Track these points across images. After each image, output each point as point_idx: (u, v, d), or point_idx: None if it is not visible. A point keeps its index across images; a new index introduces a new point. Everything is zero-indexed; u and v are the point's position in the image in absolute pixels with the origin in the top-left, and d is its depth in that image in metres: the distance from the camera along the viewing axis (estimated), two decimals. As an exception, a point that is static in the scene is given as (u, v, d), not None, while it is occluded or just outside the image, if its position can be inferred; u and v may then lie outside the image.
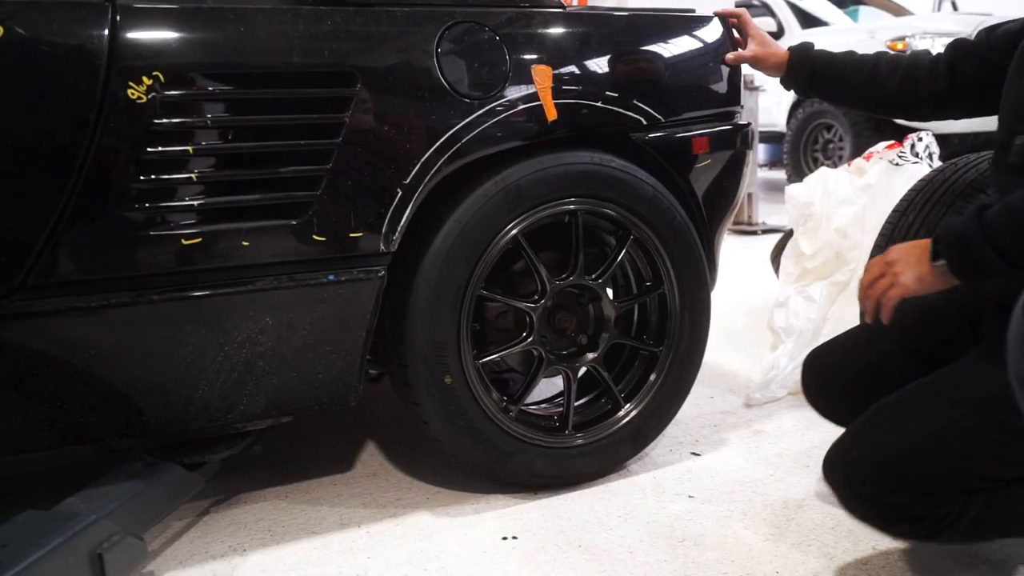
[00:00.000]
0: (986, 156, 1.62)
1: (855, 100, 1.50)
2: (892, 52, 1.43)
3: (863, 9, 7.37)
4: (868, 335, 1.32)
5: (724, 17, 1.62)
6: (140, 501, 1.20)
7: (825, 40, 5.93)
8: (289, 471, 1.64)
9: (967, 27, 4.90)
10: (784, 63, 1.51)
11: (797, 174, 5.67)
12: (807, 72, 1.48)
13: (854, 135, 5.40)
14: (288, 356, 1.28)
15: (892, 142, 2.53)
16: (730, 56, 1.58)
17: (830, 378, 1.34)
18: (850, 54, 1.47)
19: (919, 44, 5.15)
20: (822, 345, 1.41)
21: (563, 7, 1.46)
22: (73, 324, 1.14)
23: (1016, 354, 0.70)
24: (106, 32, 1.09)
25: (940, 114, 1.42)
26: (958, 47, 1.35)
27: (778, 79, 1.54)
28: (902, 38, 5.25)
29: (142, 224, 1.15)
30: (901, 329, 1.25)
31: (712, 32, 1.61)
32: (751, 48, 1.57)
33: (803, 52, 1.50)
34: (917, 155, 2.36)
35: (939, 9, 7.32)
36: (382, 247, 1.29)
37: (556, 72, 1.39)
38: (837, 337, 1.40)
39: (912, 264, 1.13)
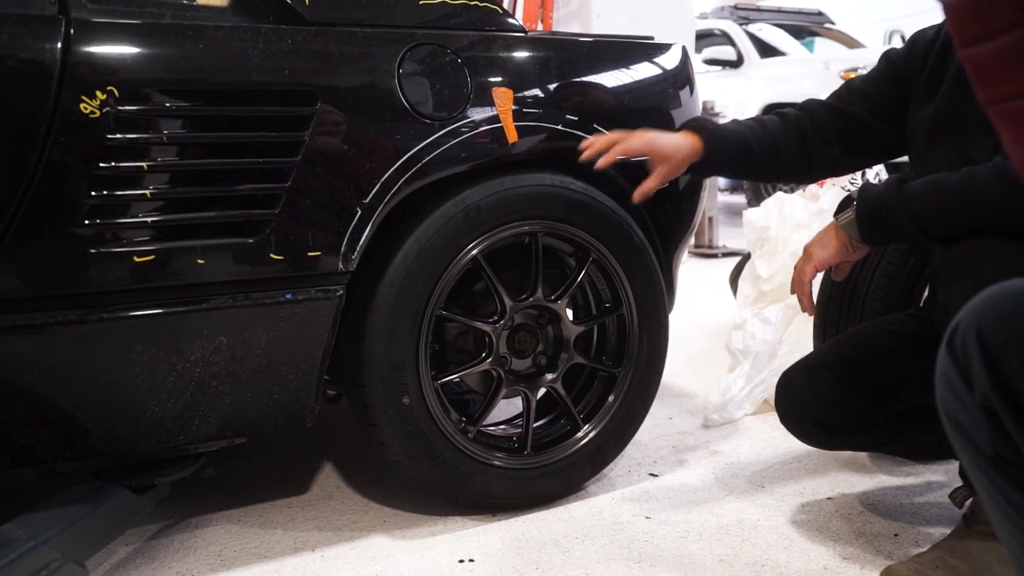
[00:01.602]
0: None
1: (758, 176, 1.51)
2: (781, 118, 1.41)
3: (818, 40, 7.62)
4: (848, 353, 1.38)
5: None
6: (83, 526, 1.16)
7: (783, 70, 6.13)
8: (242, 494, 1.60)
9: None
10: (685, 145, 1.35)
11: (756, 199, 5.78)
12: (727, 154, 1.38)
13: (810, 162, 5.54)
14: (243, 376, 1.25)
15: (845, 169, 2.60)
16: (617, 149, 1.33)
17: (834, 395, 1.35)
18: (745, 128, 1.40)
19: (872, 75, 5.32)
20: (795, 367, 1.44)
21: (525, 32, 1.48)
22: (17, 342, 1.11)
23: (940, 389, 0.72)
24: (59, 45, 1.07)
25: (849, 171, 1.49)
26: (834, 113, 1.38)
27: (682, 153, 1.35)
28: (855, 69, 5.43)
29: (93, 240, 1.12)
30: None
31: (671, 59, 1.65)
32: (642, 137, 1.35)
33: (715, 132, 1.38)
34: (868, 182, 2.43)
35: (889, 42, 7.58)
36: (341, 266, 1.28)
37: (517, 95, 1.41)
38: (810, 359, 1.44)
39: (820, 238, 1.26)
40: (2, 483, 1.38)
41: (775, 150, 1.38)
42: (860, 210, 1.18)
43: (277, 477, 1.69)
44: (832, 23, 7.47)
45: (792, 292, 1.32)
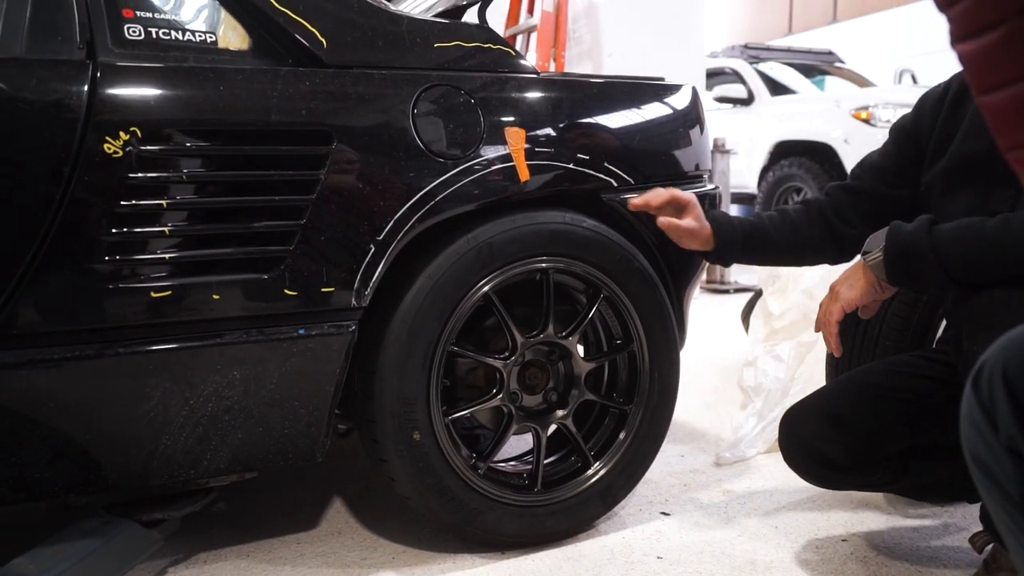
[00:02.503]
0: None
1: (782, 259, 1.51)
2: (803, 204, 1.45)
3: (829, 79, 7.67)
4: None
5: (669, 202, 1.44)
6: (93, 561, 1.17)
7: (793, 107, 6.17)
8: (251, 529, 1.59)
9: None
10: (706, 236, 1.41)
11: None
12: (741, 246, 1.42)
13: (822, 198, 5.54)
14: (255, 410, 1.26)
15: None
16: (663, 220, 1.41)
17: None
18: (761, 217, 1.45)
19: (882, 113, 5.36)
20: (799, 405, 1.43)
21: (537, 73, 1.51)
22: (34, 376, 1.12)
23: (965, 429, 0.72)
24: (85, 88, 1.10)
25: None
26: (851, 192, 1.41)
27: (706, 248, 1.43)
28: (865, 107, 5.46)
29: (112, 276, 1.14)
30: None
31: (681, 99, 1.67)
32: (687, 220, 1.41)
33: (727, 224, 1.43)
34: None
35: (900, 81, 7.62)
36: (354, 302, 1.29)
37: (529, 134, 1.43)
38: (816, 397, 1.42)
39: (846, 278, 1.24)
40: (15, 516, 1.39)
41: (795, 236, 1.40)
42: (888, 250, 1.17)
43: (287, 512, 1.68)
44: (842, 62, 7.53)
45: (817, 331, 1.32)
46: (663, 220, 1.41)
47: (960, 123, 1.27)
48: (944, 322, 1.59)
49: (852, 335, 1.69)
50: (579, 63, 3.94)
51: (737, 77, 6.55)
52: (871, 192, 1.39)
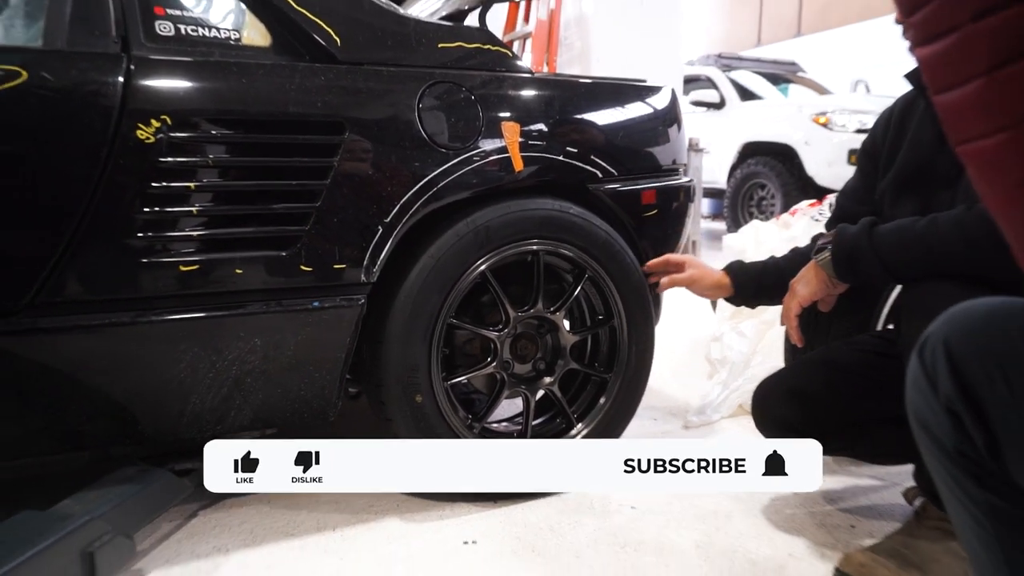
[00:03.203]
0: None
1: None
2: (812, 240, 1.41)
3: (792, 87, 7.62)
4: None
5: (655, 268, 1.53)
6: (132, 504, 1.16)
7: (760, 112, 6.12)
8: (272, 478, 1.59)
9: (877, 106, 5.10)
10: (720, 284, 1.45)
11: (735, 225, 5.77)
12: (754, 286, 1.43)
13: (784, 194, 5.54)
14: (274, 374, 1.25)
15: (813, 201, 2.59)
16: (665, 280, 1.49)
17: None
18: (773, 260, 1.45)
19: (838, 119, 5.33)
20: (768, 381, 1.42)
21: (531, 73, 1.49)
22: (76, 340, 1.11)
23: (910, 393, 0.72)
24: (120, 79, 1.08)
25: None
26: (837, 219, 1.41)
27: (715, 291, 1.45)
28: (824, 113, 5.42)
29: (145, 251, 1.12)
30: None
31: (661, 100, 1.64)
32: (688, 272, 1.47)
33: (741, 270, 1.45)
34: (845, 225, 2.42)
35: (855, 90, 7.58)
36: (363, 278, 1.28)
37: (524, 128, 1.41)
38: (782, 374, 1.42)
39: (802, 276, 1.25)
40: (62, 465, 1.38)
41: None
42: (835, 252, 1.17)
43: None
44: (804, 71, 7.48)
45: (782, 324, 1.32)
46: (680, 278, 1.47)
47: (904, 138, 1.27)
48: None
49: (806, 320, 1.68)
50: (569, 66, 3.89)
51: (711, 84, 6.50)
52: (851, 212, 1.38)
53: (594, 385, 1.59)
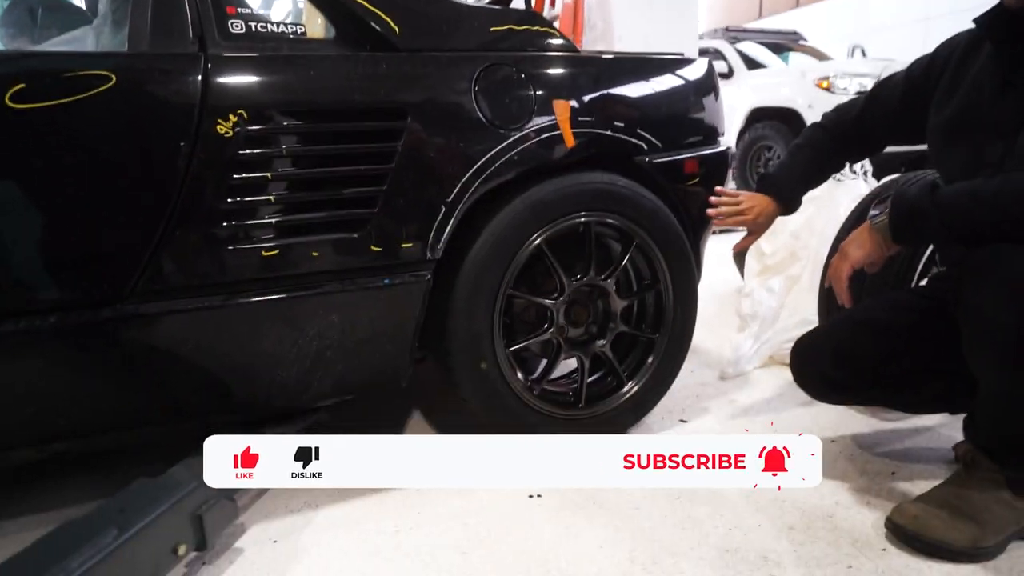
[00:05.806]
0: (924, 173, 1.53)
1: (824, 177, 1.43)
2: (825, 127, 1.40)
3: (793, 55, 7.24)
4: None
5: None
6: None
7: (766, 80, 5.83)
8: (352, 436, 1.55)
9: (875, 68, 4.86)
10: (773, 212, 1.39)
11: (744, 185, 5.56)
12: (790, 195, 1.40)
13: (790, 155, 5.30)
14: (351, 346, 1.19)
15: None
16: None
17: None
18: (803, 160, 1.39)
19: (839, 82, 5.06)
20: (809, 337, 1.32)
21: (578, 51, 1.37)
22: (174, 323, 1.06)
23: None
24: (199, 78, 1.00)
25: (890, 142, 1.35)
26: (872, 102, 1.33)
27: (770, 219, 1.40)
28: (826, 77, 5.15)
29: (229, 239, 1.06)
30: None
31: (698, 71, 1.52)
32: (752, 214, 1.38)
33: (775, 185, 1.40)
34: (854, 172, 2.26)
35: (852, 55, 7.17)
36: (428, 255, 1.21)
37: (573, 106, 1.30)
38: (823, 332, 1.33)
39: (855, 237, 1.13)
40: (169, 436, 1.35)
41: (829, 160, 1.37)
42: (894, 213, 1.05)
43: (376, 424, 1.64)
44: (805, 40, 7.10)
45: (827, 286, 1.21)
46: (746, 219, 1.39)
47: (963, 80, 1.11)
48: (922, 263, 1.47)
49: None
50: (594, 46, 3.70)
51: (719, 55, 6.20)
52: (871, 126, 1.32)
53: (642, 345, 1.51)
